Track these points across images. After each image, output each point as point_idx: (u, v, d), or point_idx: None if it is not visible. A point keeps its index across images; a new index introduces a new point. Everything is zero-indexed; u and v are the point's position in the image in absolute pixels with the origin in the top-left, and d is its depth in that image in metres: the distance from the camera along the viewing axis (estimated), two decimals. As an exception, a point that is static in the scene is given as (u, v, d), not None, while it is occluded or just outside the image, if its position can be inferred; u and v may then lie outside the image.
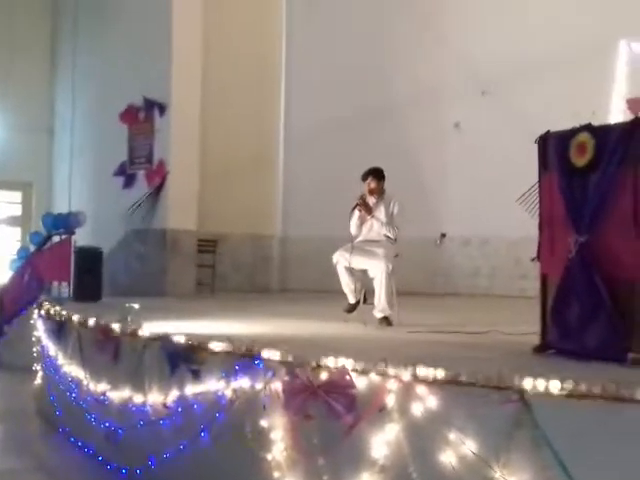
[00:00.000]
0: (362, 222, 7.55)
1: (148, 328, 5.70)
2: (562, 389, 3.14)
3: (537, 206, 4.82)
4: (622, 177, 4.13)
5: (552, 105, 11.29)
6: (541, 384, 3.18)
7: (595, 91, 11.50)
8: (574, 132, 4.44)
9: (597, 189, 4.23)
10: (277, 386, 4.15)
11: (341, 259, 7.37)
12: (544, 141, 4.73)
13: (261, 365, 4.29)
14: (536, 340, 4.75)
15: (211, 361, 4.74)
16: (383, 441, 3.55)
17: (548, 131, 4.71)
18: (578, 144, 4.38)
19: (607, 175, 4.18)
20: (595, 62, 11.68)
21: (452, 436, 3.31)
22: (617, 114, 11.18)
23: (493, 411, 3.24)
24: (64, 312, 7.30)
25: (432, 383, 3.47)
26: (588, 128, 4.39)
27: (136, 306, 6.25)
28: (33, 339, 8.43)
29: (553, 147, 4.61)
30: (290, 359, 4.14)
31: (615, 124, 4.68)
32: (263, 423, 4.16)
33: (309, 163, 13.82)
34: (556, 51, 12.06)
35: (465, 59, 13.19)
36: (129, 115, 12.77)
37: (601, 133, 4.31)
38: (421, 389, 3.47)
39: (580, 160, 4.36)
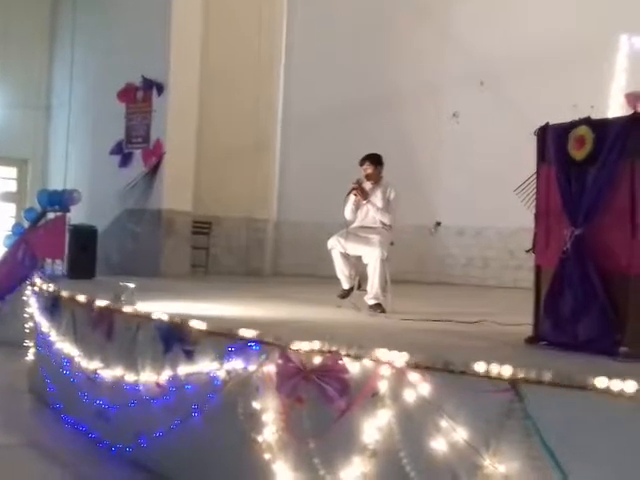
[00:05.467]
0: (357, 207, 7.53)
1: (142, 307, 5.72)
2: (553, 380, 3.17)
3: (534, 197, 4.84)
4: (620, 171, 4.14)
5: (550, 98, 11.29)
6: (533, 375, 3.20)
7: (594, 85, 11.46)
8: (573, 125, 4.44)
9: (595, 182, 4.24)
10: (270, 369, 4.17)
11: (336, 244, 7.37)
12: (543, 133, 4.73)
13: (255, 347, 4.31)
14: (529, 331, 4.77)
15: (205, 342, 4.76)
16: (375, 426, 3.57)
17: (547, 123, 4.72)
18: (577, 137, 4.38)
19: (605, 169, 4.19)
20: (595, 56, 11.63)
21: (443, 423, 3.33)
22: (616, 108, 11.16)
23: (484, 400, 3.26)
24: (58, 289, 7.30)
25: (424, 370, 3.49)
26: (587, 121, 4.39)
27: (131, 285, 6.24)
28: (26, 315, 8.43)
29: (552, 139, 4.61)
30: (283, 342, 4.16)
31: (614, 118, 4.68)
32: (255, 405, 4.18)
33: (306, 148, 13.81)
34: (556, 44, 12.04)
35: (464, 49, 13.14)
36: (127, 94, 12.69)
37: (600, 127, 4.31)
38: (413, 376, 3.49)
39: (578, 153, 4.37)
